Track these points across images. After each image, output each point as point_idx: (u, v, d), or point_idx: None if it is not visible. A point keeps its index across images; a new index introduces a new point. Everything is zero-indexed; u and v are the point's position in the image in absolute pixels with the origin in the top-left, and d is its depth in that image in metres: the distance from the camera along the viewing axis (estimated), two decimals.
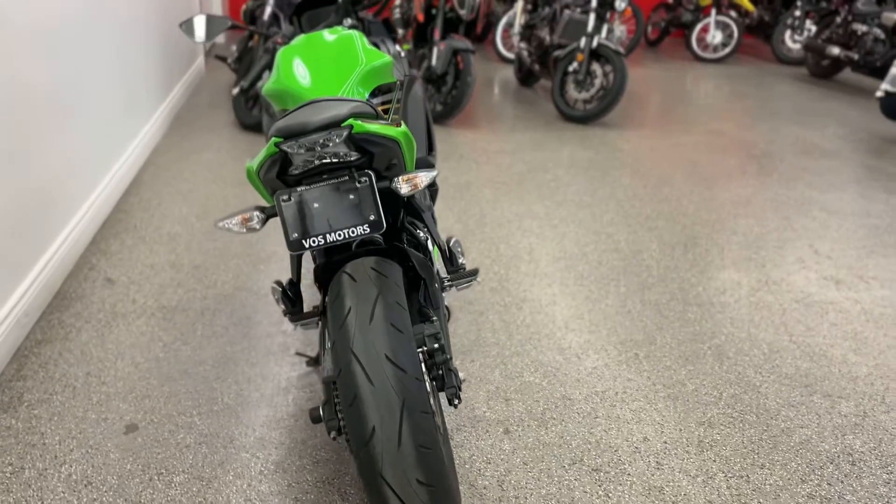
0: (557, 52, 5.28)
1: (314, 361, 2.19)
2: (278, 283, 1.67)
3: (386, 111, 1.94)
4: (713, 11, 7.76)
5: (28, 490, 1.70)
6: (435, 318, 1.61)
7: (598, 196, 3.70)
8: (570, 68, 5.16)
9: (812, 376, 2.22)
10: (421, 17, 4.98)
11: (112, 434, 1.90)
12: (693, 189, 3.83)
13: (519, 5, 7.40)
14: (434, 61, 4.83)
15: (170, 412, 1.99)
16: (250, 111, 4.68)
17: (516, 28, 7.41)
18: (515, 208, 3.52)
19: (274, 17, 4.68)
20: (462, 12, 5.09)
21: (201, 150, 4.24)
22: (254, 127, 4.64)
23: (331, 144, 1.30)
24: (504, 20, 7.51)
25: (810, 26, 7.55)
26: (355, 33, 1.93)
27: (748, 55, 8.28)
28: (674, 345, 2.38)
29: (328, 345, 1.56)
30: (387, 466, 1.29)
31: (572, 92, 5.21)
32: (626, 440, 1.92)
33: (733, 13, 7.98)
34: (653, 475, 1.79)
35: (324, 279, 1.51)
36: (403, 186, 1.39)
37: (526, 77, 6.28)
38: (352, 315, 1.36)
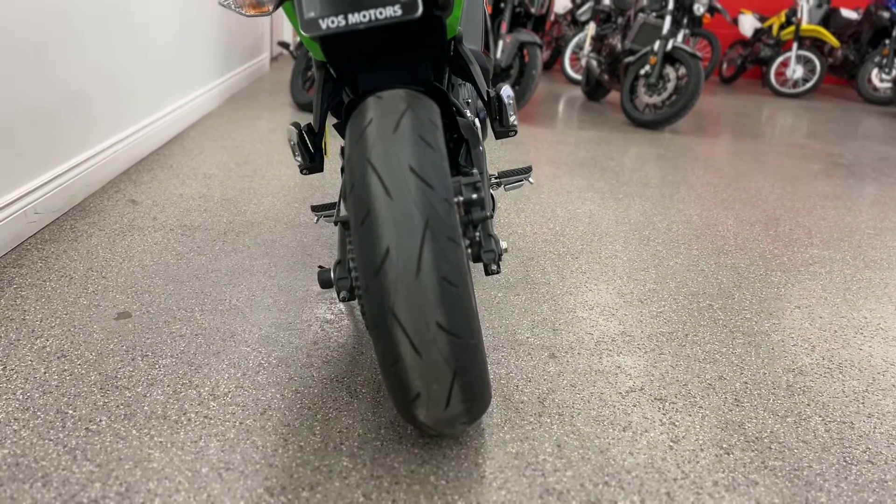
0: (629, 59, 5.04)
1: (319, 209, 1.84)
2: (296, 124, 1.43)
3: None
4: (794, 46, 7.43)
5: None
6: (476, 171, 1.34)
7: (667, 180, 3.39)
8: (642, 72, 4.91)
9: None
10: (489, 10, 4.82)
11: (101, 318, 1.66)
12: (774, 183, 3.48)
13: (590, 28, 7.24)
14: (500, 54, 4.65)
15: (169, 306, 1.75)
16: (306, 91, 4.56)
17: (586, 47, 7.24)
18: (577, 182, 3.23)
19: None
20: (532, 7, 4.92)
21: (253, 120, 4.11)
22: (308, 107, 4.50)
23: None
24: (573, 42, 7.34)
25: None
26: None
27: (830, 94, 7.88)
28: (755, 301, 2.03)
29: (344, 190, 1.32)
30: (400, 300, 1.02)
31: (643, 96, 4.93)
32: (696, 377, 1.58)
33: (816, 50, 7.64)
34: (730, 411, 1.45)
35: (348, 119, 1.26)
36: None
37: (594, 90, 6.04)
38: (372, 125, 1.10)
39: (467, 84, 1.91)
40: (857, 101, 7.42)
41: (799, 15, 7.46)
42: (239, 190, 2.74)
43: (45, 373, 1.42)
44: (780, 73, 7.59)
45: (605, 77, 5.59)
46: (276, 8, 1.17)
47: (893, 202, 3.26)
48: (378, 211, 1.03)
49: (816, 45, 7.80)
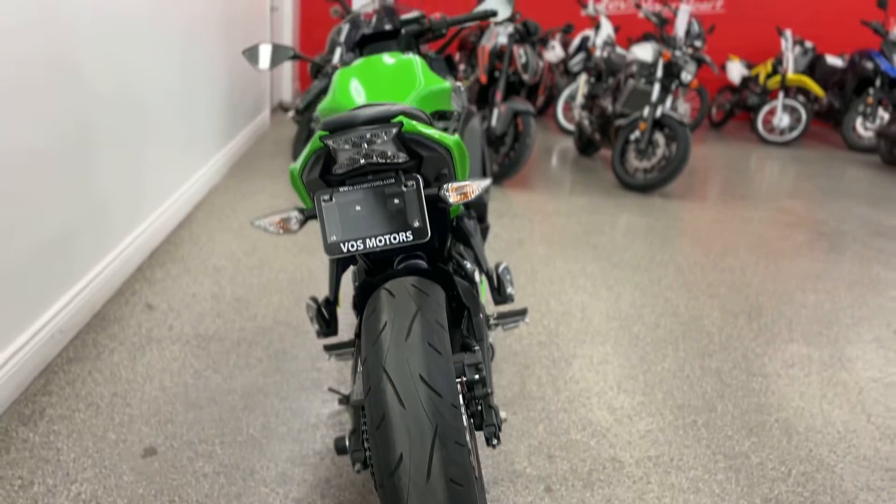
0: (619, 121, 5.22)
1: (346, 399, 2.06)
2: (314, 299, 1.58)
3: None
4: (781, 95, 7.64)
5: None
6: (477, 348, 1.48)
7: (656, 261, 3.54)
8: (632, 137, 5.08)
9: (895, 460, 1.98)
10: (484, 79, 5.00)
11: (129, 456, 1.79)
12: (758, 261, 3.64)
13: (582, 79, 7.43)
14: (494, 122, 4.82)
15: (191, 439, 1.88)
16: None
17: (578, 100, 7.42)
18: (569, 267, 3.38)
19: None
20: (525, 76, 5.10)
21: (257, 193, 4.26)
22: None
23: (378, 142, 1.22)
24: (566, 93, 7.53)
25: (883, 114, 7.35)
26: (416, 57, 1.88)
27: (816, 140, 8.08)
28: (736, 414, 2.18)
29: (360, 367, 1.45)
30: (413, 501, 1.15)
31: (633, 160, 5.11)
32: None
33: (801, 98, 7.85)
34: None
35: (362, 302, 1.41)
36: (453, 195, 1.29)
37: (586, 146, 6.22)
38: (387, 330, 1.24)
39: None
40: (842, 148, 7.62)
41: (785, 65, 7.68)
42: (248, 287, 2.88)
43: None
44: (767, 121, 7.79)
45: (597, 136, 5.76)
46: (300, 227, 1.31)
47: (871, 283, 3.42)
48: (392, 418, 1.17)
49: (802, 91, 8.01)
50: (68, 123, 2.31)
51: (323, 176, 1.28)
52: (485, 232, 2.11)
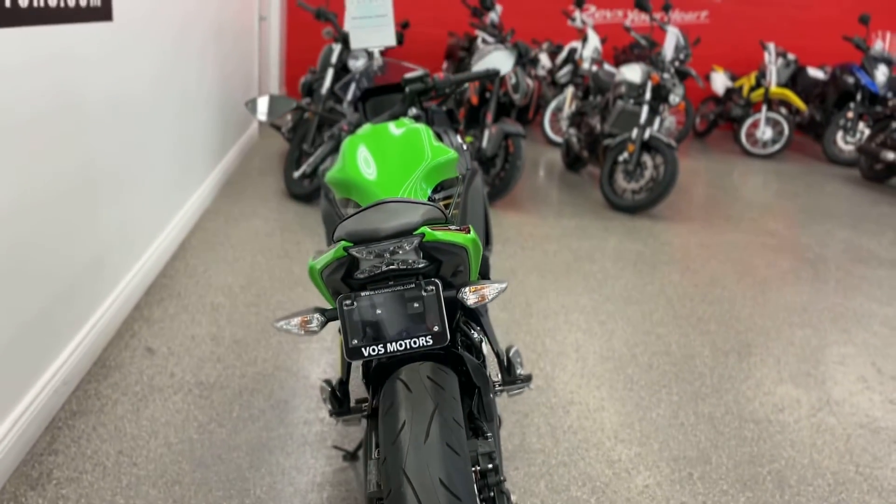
0: (608, 142, 5.28)
1: (351, 456, 2.10)
2: (327, 382, 1.61)
3: (447, 206, 1.90)
4: (764, 108, 7.74)
5: None
6: (490, 433, 1.52)
7: (647, 292, 3.60)
8: (621, 158, 5.15)
9: None
10: (475, 100, 5.03)
11: None
12: (746, 292, 3.71)
13: (569, 91, 7.48)
14: (485, 144, 4.85)
15: (199, 503, 1.90)
16: (300, 181, 4.72)
17: (565, 113, 7.47)
18: (562, 300, 3.43)
19: (331, 92, 4.77)
20: (516, 97, 5.14)
21: (250, 217, 4.26)
22: (302, 197, 4.66)
23: (400, 252, 1.25)
24: (553, 104, 7.58)
25: (863, 129, 7.48)
26: (422, 127, 1.91)
27: (797, 152, 8.21)
28: (730, 466, 2.24)
29: (374, 454, 1.48)
30: None
31: (621, 181, 5.17)
32: None
33: (784, 110, 7.96)
34: None
35: (375, 381, 1.44)
36: (470, 297, 1.33)
37: (573, 162, 6.28)
38: (406, 431, 1.28)
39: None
40: (823, 161, 7.75)
41: (768, 78, 7.78)
42: (247, 327, 2.89)
43: None
44: (750, 134, 7.90)
45: (585, 154, 5.82)
46: (321, 329, 1.34)
47: (855, 316, 3.51)
48: None
49: (785, 104, 8.13)
50: (71, 165, 2.31)
51: (344, 279, 1.31)
52: None
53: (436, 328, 1.28)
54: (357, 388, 2.19)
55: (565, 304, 3.39)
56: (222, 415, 2.30)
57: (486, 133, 4.88)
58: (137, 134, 2.99)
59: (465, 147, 2.23)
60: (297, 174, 2.05)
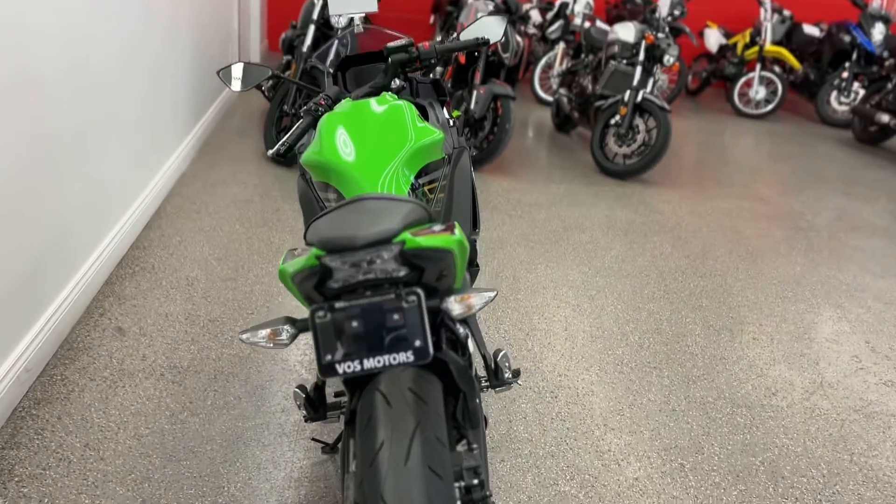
0: (599, 103, 5.12)
1: (331, 448, 2.00)
2: (301, 388, 1.50)
3: (432, 190, 1.78)
4: (758, 66, 7.57)
5: None
6: (476, 445, 1.42)
7: (638, 265, 3.51)
8: (612, 121, 4.99)
9: None
10: (462, 59, 4.83)
11: None
12: (738, 264, 3.62)
13: (560, 48, 7.27)
14: (473, 105, 4.67)
15: (170, 502, 1.81)
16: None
17: (555, 70, 7.27)
18: (551, 273, 3.33)
19: (312, 50, 4.56)
20: (505, 56, 4.95)
21: (228, 183, 4.10)
22: (282, 161, 4.49)
23: (378, 262, 1.13)
24: (543, 61, 7.37)
25: (858, 89, 7.34)
26: (405, 105, 1.77)
27: (790, 112, 8.07)
28: (723, 456, 2.17)
29: (352, 467, 1.38)
30: None
31: (613, 145, 5.03)
32: None
33: (777, 69, 7.79)
34: None
35: (351, 388, 1.34)
36: (456, 308, 1.22)
37: (563, 123, 6.11)
38: (384, 451, 1.17)
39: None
40: (815, 122, 7.62)
41: (763, 36, 7.59)
42: (224, 304, 2.77)
43: None
44: (743, 93, 7.74)
45: (576, 115, 5.66)
46: (291, 341, 1.23)
47: (849, 289, 3.43)
48: None
49: (778, 62, 7.95)
50: (27, 139, 2.15)
51: (317, 287, 1.18)
52: (474, 275, 2.04)
53: (417, 343, 1.17)
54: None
55: (554, 278, 3.28)
56: (196, 402, 2.20)
57: (475, 94, 4.69)
58: (104, 101, 2.81)
59: (451, 122, 2.09)
60: (270, 152, 1.90)
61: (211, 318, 2.68)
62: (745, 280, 3.44)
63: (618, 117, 4.95)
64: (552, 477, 2.02)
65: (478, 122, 4.78)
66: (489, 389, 1.86)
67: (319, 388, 1.51)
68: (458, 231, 1.27)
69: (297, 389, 1.50)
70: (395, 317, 1.17)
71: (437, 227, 1.25)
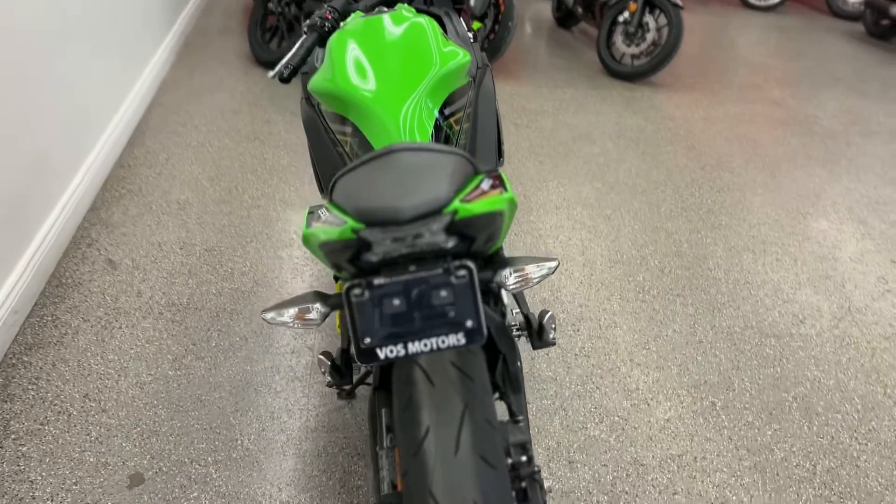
0: None
1: (347, 394, 1.89)
2: (326, 354, 1.35)
3: (457, 121, 1.57)
4: None
5: None
6: (521, 416, 1.30)
7: (652, 179, 3.33)
8: (621, 18, 4.67)
9: None
10: None
11: (113, 488, 1.61)
12: (756, 177, 3.46)
13: None
14: (473, 1, 4.34)
15: (181, 458, 1.70)
16: (267, 44, 4.23)
17: None
18: (563, 191, 3.15)
19: None
20: None
21: (213, 90, 3.82)
22: (270, 63, 4.19)
23: (427, 235, 0.96)
24: None
25: None
26: (426, 21, 1.54)
27: (799, 3, 7.69)
28: (754, 392, 2.09)
29: (386, 442, 1.27)
30: None
31: (620, 45, 4.73)
32: None
33: None
34: None
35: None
36: (511, 279, 1.06)
37: (565, 18, 5.75)
38: (430, 440, 1.04)
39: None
40: (825, 14, 7.27)
41: None
42: (220, 230, 2.59)
43: None
44: None
45: (579, 10, 5.31)
46: (322, 321, 1.06)
47: (870, 203, 3.30)
48: None
49: None
50: None
51: (352, 260, 1.01)
52: None
53: (469, 323, 1.01)
54: None
55: (567, 197, 3.11)
56: (199, 344, 2.06)
57: None
58: (70, 9, 2.51)
59: (471, 37, 1.85)
60: (271, 75, 1.67)
61: (207, 247, 2.50)
62: (764, 195, 3.29)
63: (626, 14, 4.63)
64: (580, 420, 1.93)
65: (478, 20, 4.45)
66: (521, 338, 1.73)
67: (346, 352, 1.36)
68: (508, 186, 1.09)
69: (321, 356, 1.35)
70: (444, 293, 1.01)
71: (486, 184, 1.07)
